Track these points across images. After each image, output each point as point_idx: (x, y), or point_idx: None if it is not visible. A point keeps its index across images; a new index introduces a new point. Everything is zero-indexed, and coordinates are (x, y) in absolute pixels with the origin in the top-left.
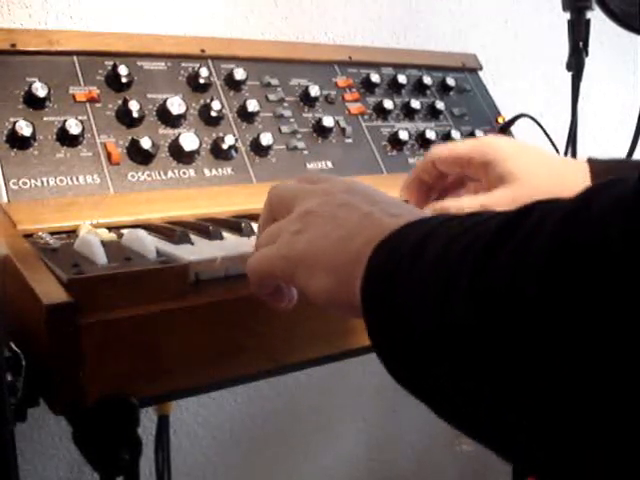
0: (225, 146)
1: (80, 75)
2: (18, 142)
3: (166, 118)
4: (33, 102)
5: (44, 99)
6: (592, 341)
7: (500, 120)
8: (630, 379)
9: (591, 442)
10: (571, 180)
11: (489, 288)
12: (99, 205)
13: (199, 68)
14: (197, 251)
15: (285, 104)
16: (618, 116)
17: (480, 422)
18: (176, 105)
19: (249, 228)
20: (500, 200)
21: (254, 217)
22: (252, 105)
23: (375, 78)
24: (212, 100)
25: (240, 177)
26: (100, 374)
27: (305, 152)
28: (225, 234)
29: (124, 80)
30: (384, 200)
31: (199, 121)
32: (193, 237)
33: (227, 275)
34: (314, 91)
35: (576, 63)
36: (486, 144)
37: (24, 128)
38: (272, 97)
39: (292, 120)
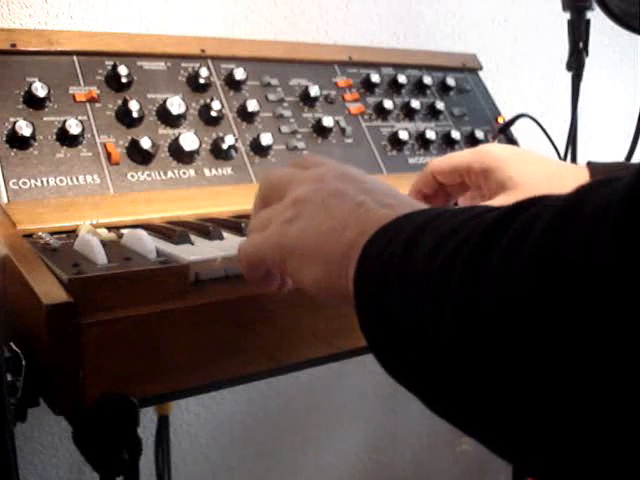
0: (225, 146)
1: (80, 75)
2: (18, 142)
3: (166, 118)
4: (33, 102)
5: (44, 99)
6: (583, 344)
7: (500, 120)
8: (622, 379)
9: (576, 444)
10: (571, 184)
11: (480, 292)
12: (99, 205)
13: (199, 68)
14: (197, 251)
15: (285, 104)
16: (618, 116)
17: (470, 415)
18: (176, 105)
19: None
20: None
21: None
22: (252, 105)
23: (375, 78)
24: (212, 100)
25: (240, 177)
26: (100, 374)
27: (305, 152)
28: (225, 234)
29: (124, 80)
30: (377, 188)
31: (199, 121)
32: (193, 237)
33: (227, 275)
34: (314, 91)
35: (576, 63)
36: (484, 151)
37: (24, 128)
38: (272, 97)
39: (292, 120)
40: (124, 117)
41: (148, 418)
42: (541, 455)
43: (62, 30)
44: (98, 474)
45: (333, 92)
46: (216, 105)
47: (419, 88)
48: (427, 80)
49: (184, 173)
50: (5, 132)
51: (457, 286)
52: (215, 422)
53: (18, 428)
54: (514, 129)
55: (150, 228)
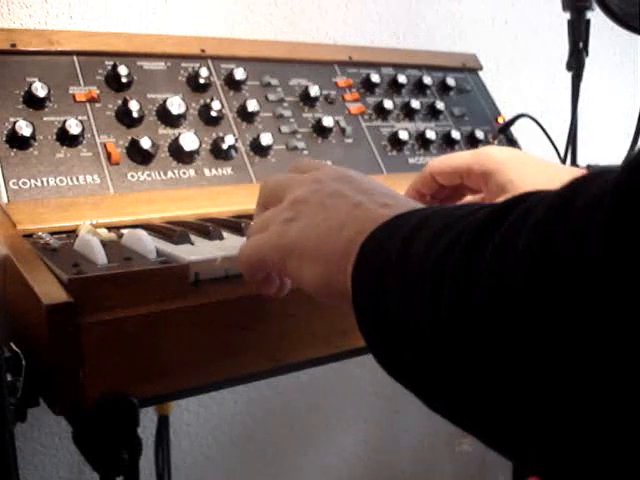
0: (225, 146)
1: (80, 75)
2: (18, 142)
3: (166, 118)
4: (33, 102)
5: (44, 99)
6: (578, 337)
7: (500, 120)
8: (618, 371)
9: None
10: None
11: (473, 288)
12: (99, 205)
13: (199, 68)
14: (197, 251)
15: (285, 104)
16: (618, 116)
17: (468, 412)
18: (176, 105)
19: (249, 228)
20: None
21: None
22: (252, 105)
23: (375, 78)
24: (212, 100)
25: (240, 177)
26: (100, 374)
27: (305, 152)
28: (225, 234)
29: (124, 80)
30: (375, 189)
31: (199, 121)
32: (193, 237)
33: (227, 275)
34: (314, 91)
35: (576, 63)
36: (485, 154)
37: (24, 128)
38: (272, 97)
39: (292, 120)
40: (124, 117)
41: (148, 418)
42: (536, 450)
43: (62, 30)
44: (98, 474)
45: (333, 92)
46: (216, 105)
47: (419, 88)
48: (427, 80)
49: (184, 173)
50: (5, 132)
51: (451, 283)
52: (215, 422)
53: (18, 428)
54: (514, 129)
55: (150, 228)
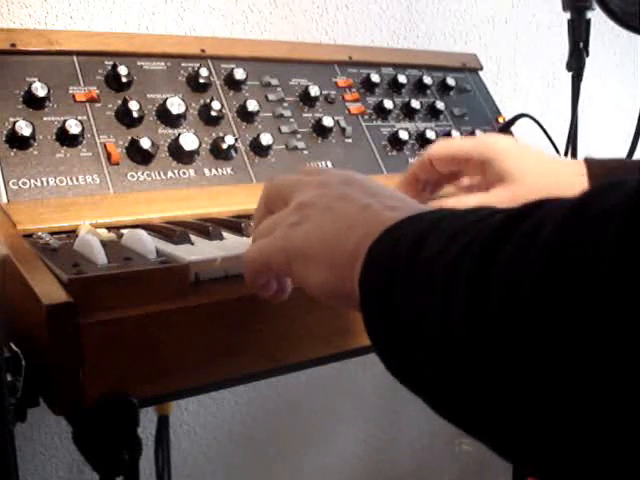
0: (225, 146)
1: (80, 75)
2: (18, 142)
3: (166, 118)
4: (33, 102)
5: (44, 99)
6: (587, 349)
7: (500, 120)
8: (633, 384)
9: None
10: (568, 180)
11: (485, 294)
12: (99, 205)
13: (199, 68)
14: (197, 251)
15: (285, 104)
16: (618, 116)
17: (474, 416)
18: (176, 105)
19: (249, 228)
20: (499, 199)
21: None
22: (252, 105)
23: (375, 78)
24: (212, 100)
25: (240, 177)
26: (100, 374)
27: (305, 152)
28: (225, 234)
29: (124, 80)
30: (382, 192)
31: (199, 121)
32: (193, 237)
33: (227, 275)
34: (314, 91)
35: (576, 63)
36: (484, 143)
37: (24, 128)
38: (272, 97)
39: (292, 120)
40: (124, 117)
41: (148, 418)
42: (543, 455)
43: (62, 30)
44: (98, 474)
45: (333, 92)
46: (216, 105)
47: (419, 88)
48: (427, 80)
49: (184, 173)
50: (5, 132)
51: (463, 288)
52: (215, 422)
53: (18, 428)
54: (514, 129)
55: (150, 228)
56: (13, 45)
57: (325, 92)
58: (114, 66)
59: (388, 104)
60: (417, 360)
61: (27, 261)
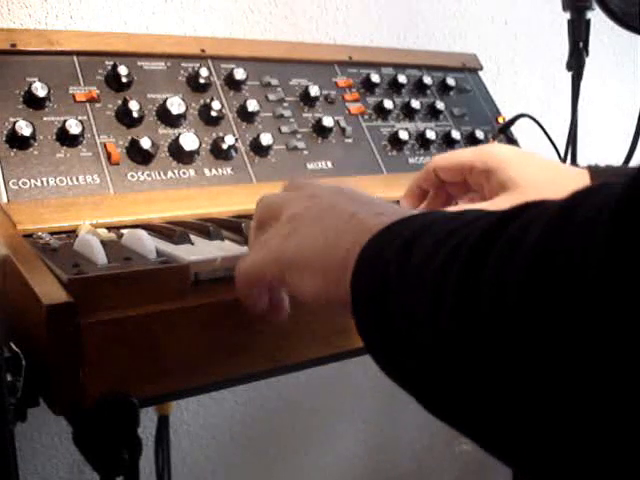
0: (225, 146)
1: (80, 75)
2: (18, 142)
3: (166, 118)
4: (33, 102)
5: (44, 99)
6: (577, 354)
7: (500, 120)
8: (620, 388)
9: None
10: (572, 187)
11: (476, 297)
12: (99, 205)
13: (199, 68)
14: (197, 251)
15: (285, 104)
16: (618, 116)
17: (468, 419)
18: (176, 105)
19: (249, 228)
20: (502, 207)
21: None
22: (252, 105)
23: (375, 78)
24: (212, 100)
25: (240, 177)
26: (100, 374)
27: (305, 152)
28: (225, 234)
29: (124, 80)
30: (370, 201)
31: (199, 121)
32: (193, 237)
33: (227, 275)
34: (314, 91)
35: (576, 63)
36: (487, 152)
37: (24, 128)
38: (272, 97)
39: (292, 120)
40: (124, 117)
41: (148, 418)
42: (534, 456)
43: (62, 30)
44: (98, 474)
45: (333, 92)
46: (216, 105)
47: (419, 88)
48: (427, 80)
49: (184, 173)
50: (5, 132)
51: (453, 292)
52: (215, 422)
53: (18, 428)
54: (514, 129)
55: (150, 228)
56: (13, 45)
57: (325, 92)
58: (114, 66)
59: (388, 104)
60: (409, 364)
61: (27, 261)
